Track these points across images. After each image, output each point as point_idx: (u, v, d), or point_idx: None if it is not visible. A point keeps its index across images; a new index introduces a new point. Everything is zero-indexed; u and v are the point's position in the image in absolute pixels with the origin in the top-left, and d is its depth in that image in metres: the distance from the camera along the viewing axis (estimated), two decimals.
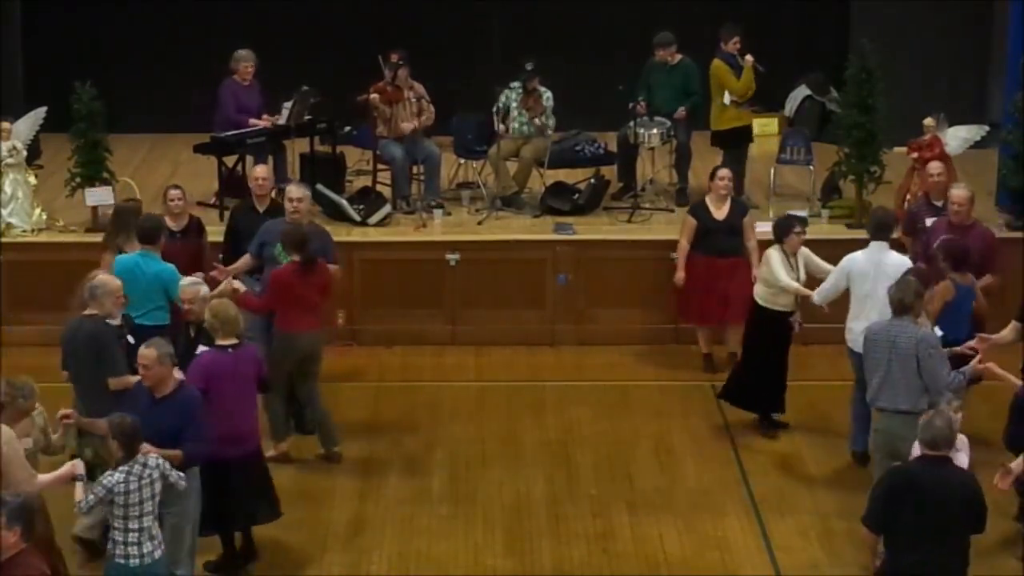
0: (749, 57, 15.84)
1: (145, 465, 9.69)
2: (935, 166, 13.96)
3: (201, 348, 11.23)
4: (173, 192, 13.64)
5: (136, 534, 9.59)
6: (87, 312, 11.13)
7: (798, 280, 12.95)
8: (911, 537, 9.10)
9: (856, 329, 12.12)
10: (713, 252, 14.14)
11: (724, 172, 14.29)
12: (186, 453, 10.15)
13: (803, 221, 13.39)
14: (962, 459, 9.99)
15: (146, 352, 10.19)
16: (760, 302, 13.09)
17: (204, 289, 11.64)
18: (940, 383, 10.82)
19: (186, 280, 11.74)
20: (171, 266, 12.43)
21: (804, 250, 13.12)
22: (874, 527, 9.30)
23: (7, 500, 8.41)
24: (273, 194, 13.98)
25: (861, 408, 11.97)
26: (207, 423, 10.42)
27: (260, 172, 13.86)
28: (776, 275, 12.88)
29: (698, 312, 14.47)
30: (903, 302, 11.02)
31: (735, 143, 16.19)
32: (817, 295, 12.68)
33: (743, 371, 13.30)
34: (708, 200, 14.26)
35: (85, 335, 11.05)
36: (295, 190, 13.16)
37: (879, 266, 12.20)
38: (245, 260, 13.16)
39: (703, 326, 14.58)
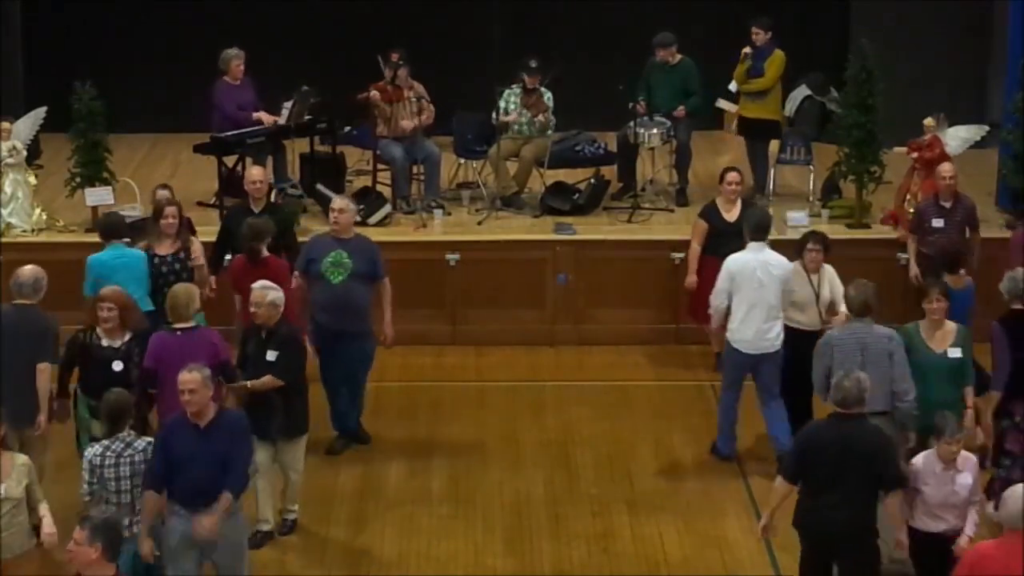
0: (745, 48, 16.03)
1: (128, 444, 9.85)
2: (947, 168, 13.89)
3: (269, 353, 11.21)
4: (169, 209, 13.01)
5: (113, 508, 9.65)
6: (23, 302, 11.31)
7: (818, 298, 12.63)
8: (818, 487, 9.84)
9: (748, 332, 12.27)
10: (724, 255, 13.45)
11: (732, 175, 14.07)
12: (235, 493, 9.85)
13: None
14: (966, 479, 9.95)
15: (189, 377, 9.78)
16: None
17: (272, 294, 11.37)
18: (908, 381, 11.06)
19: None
20: (139, 252, 12.69)
21: (828, 269, 12.73)
22: (788, 478, 10.03)
23: (91, 515, 8.22)
24: (273, 196, 13.97)
25: (733, 414, 12.62)
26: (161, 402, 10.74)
27: (256, 175, 13.71)
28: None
29: (707, 314, 13.82)
30: (867, 303, 11.21)
31: (748, 134, 16.42)
32: (712, 300, 12.65)
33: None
34: (718, 202, 14.09)
35: (32, 324, 11.22)
36: (338, 201, 12.86)
37: (765, 267, 12.34)
38: (295, 280, 12.74)
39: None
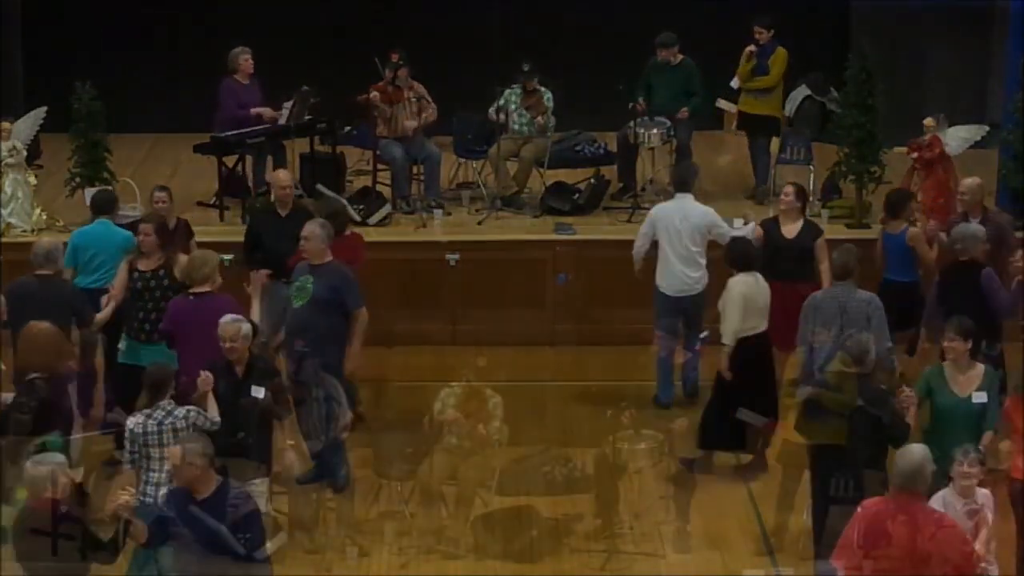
0: (749, 47, 16.13)
1: (169, 413, 10.00)
2: (964, 185, 13.53)
3: (254, 389, 10.64)
4: (144, 226, 12.34)
5: (156, 474, 9.88)
6: (42, 272, 11.74)
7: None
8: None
9: (670, 276, 13.37)
10: (776, 275, 12.71)
11: (787, 188, 13.55)
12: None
13: None
14: (986, 516, 9.68)
15: (190, 447, 9.03)
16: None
17: (246, 327, 10.74)
18: (886, 342, 11.64)
19: (227, 317, 10.77)
20: (125, 231, 12.88)
21: (730, 283, 12.42)
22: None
23: None
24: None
25: (669, 365, 13.53)
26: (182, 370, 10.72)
27: (285, 181, 13.63)
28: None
29: (785, 339, 12.83)
30: (847, 266, 11.89)
31: (749, 130, 16.53)
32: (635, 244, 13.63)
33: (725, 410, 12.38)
34: (780, 217, 13.39)
35: (53, 291, 11.61)
36: (306, 228, 12.20)
37: (685, 216, 13.32)
38: None
39: None
